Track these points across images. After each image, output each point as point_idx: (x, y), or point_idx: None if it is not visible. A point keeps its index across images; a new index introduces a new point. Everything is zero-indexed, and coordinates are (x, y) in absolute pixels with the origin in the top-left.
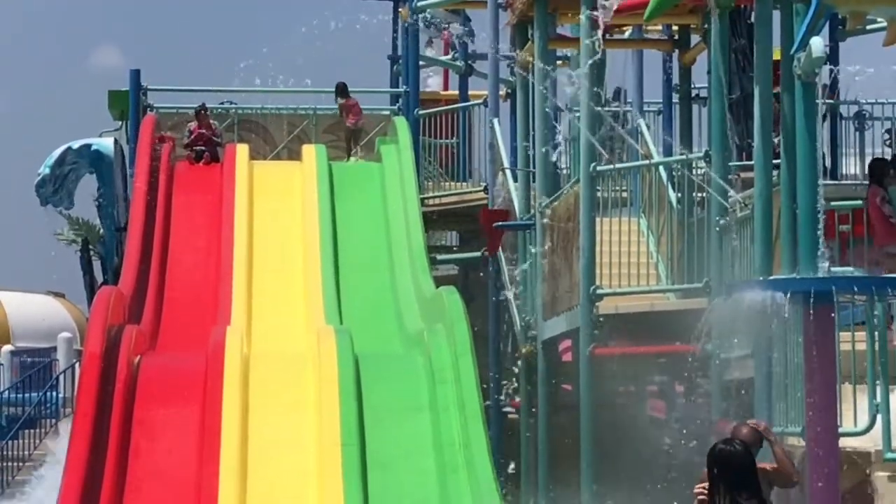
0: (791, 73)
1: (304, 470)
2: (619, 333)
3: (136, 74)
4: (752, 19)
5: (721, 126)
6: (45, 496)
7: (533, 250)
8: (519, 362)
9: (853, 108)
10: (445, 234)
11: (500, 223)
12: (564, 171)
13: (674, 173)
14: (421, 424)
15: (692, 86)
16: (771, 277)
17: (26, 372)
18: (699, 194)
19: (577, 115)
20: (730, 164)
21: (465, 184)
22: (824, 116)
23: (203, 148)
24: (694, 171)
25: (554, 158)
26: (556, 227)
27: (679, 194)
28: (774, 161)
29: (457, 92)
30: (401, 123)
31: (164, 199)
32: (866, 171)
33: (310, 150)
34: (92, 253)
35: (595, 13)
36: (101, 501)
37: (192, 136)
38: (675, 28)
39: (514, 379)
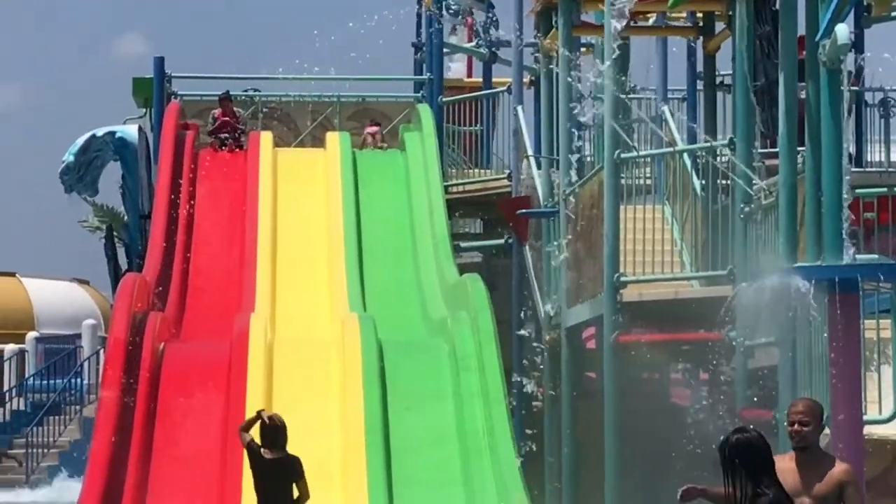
0: (816, 60)
1: (329, 456)
2: (642, 321)
3: (160, 62)
4: (777, 6)
5: (745, 113)
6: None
7: (556, 238)
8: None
9: (878, 95)
10: (469, 222)
11: (523, 210)
12: (588, 159)
13: (698, 161)
14: (444, 411)
15: (717, 73)
16: (795, 265)
17: (51, 359)
18: (723, 182)
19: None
20: (754, 151)
21: (488, 171)
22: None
23: (227, 135)
24: (718, 159)
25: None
26: (579, 215)
27: (703, 182)
28: (799, 148)
29: (480, 79)
30: (424, 111)
31: (188, 187)
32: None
33: (333, 138)
34: (116, 240)
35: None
36: (125, 488)
37: (217, 124)
38: (699, 15)
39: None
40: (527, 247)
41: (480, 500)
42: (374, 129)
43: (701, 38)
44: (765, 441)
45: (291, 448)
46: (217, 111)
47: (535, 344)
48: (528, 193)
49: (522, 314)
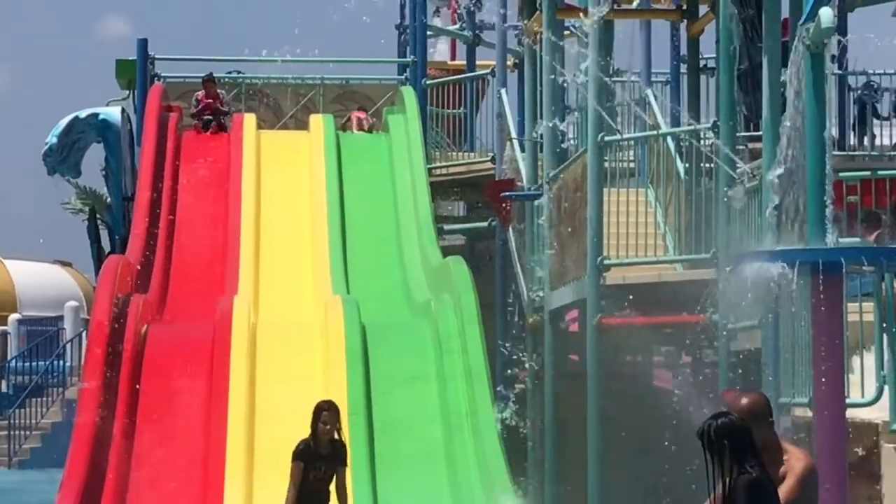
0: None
1: None
2: (626, 304)
3: (143, 43)
4: None
5: (729, 96)
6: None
7: (540, 221)
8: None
9: (861, 78)
10: (453, 204)
11: (506, 193)
12: (572, 142)
13: (681, 144)
14: (427, 393)
15: (700, 56)
16: (779, 248)
17: (33, 340)
18: (707, 165)
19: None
20: (738, 134)
21: (472, 154)
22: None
23: (210, 117)
24: (702, 142)
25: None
26: (563, 198)
27: (687, 165)
28: None
29: (464, 62)
30: (408, 93)
31: (172, 169)
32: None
33: (317, 120)
34: (99, 222)
35: None
36: (108, 470)
37: (200, 106)
38: None
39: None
40: (510, 229)
41: (464, 481)
42: (363, 114)
43: (685, 21)
44: (745, 424)
45: (275, 432)
46: (200, 93)
47: (518, 325)
48: (515, 179)
49: (505, 297)
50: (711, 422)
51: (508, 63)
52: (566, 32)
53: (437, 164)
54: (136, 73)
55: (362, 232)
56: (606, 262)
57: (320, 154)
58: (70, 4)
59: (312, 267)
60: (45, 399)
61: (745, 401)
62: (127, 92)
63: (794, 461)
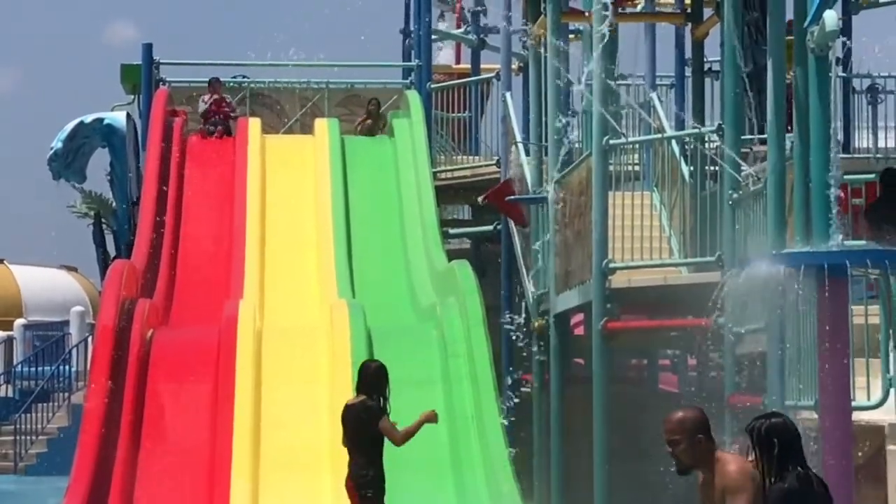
0: (804, 47)
1: (317, 443)
2: (631, 307)
3: (148, 48)
4: None
5: (734, 99)
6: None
7: (545, 225)
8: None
9: (866, 81)
10: (458, 208)
11: (511, 196)
12: (577, 145)
13: (686, 147)
14: (433, 397)
15: (705, 59)
16: (784, 251)
17: (39, 346)
18: (712, 168)
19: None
20: (742, 137)
21: (477, 157)
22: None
23: (217, 120)
24: (706, 145)
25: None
26: (568, 201)
27: (691, 168)
28: (787, 135)
29: (469, 66)
30: (413, 97)
31: (177, 173)
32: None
33: (322, 124)
34: (105, 227)
35: None
36: (114, 474)
37: (210, 110)
38: (687, 1)
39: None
40: (515, 233)
41: (470, 485)
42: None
43: (689, 24)
44: (795, 427)
45: (281, 436)
46: (206, 96)
47: (523, 330)
48: (512, 178)
49: (511, 300)
50: (763, 420)
51: (513, 66)
52: (571, 36)
53: (443, 167)
54: (140, 77)
55: (367, 236)
56: (612, 265)
57: (325, 158)
58: (76, 9)
59: (318, 271)
60: (51, 404)
61: (682, 416)
62: (132, 96)
63: (722, 474)
